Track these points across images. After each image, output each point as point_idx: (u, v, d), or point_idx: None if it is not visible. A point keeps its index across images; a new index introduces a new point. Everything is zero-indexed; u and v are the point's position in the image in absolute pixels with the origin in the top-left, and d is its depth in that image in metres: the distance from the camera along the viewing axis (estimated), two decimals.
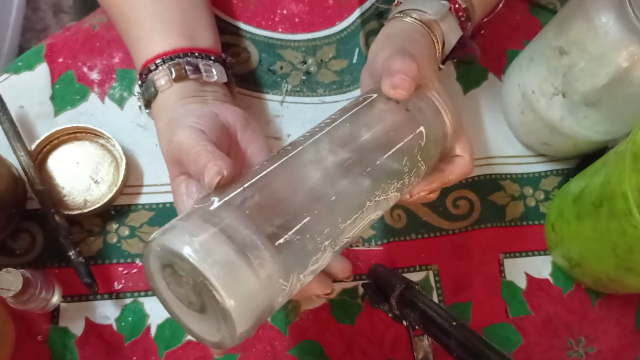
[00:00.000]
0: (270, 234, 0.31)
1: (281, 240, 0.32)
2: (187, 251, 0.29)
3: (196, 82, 0.44)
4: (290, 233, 0.32)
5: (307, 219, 0.33)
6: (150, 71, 0.44)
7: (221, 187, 0.34)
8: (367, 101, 0.40)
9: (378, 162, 0.37)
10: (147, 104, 0.46)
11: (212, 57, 0.46)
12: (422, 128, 0.39)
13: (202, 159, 0.36)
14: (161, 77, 0.44)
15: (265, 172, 0.35)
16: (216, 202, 0.32)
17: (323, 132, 0.37)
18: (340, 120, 0.38)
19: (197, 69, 0.44)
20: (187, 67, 0.44)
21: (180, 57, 0.44)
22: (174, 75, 0.44)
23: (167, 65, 0.44)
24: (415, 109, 0.40)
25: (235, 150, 0.43)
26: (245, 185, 0.34)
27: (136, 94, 0.47)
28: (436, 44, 0.47)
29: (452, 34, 0.48)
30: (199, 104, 0.43)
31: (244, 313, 0.30)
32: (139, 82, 0.46)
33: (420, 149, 0.39)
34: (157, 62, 0.44)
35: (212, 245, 0.30)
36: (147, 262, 0.33)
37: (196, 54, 0.45)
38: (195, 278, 0.30)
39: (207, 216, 0.32)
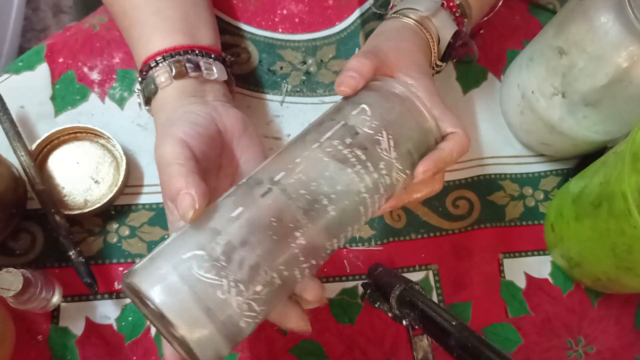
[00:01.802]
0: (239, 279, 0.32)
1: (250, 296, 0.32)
2: (151, 295, 0.31)
3: (196, 80, 0.44)
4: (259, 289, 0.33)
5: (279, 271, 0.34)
6: (151, 68, 0.44)
7: (195, 219, 0.34)
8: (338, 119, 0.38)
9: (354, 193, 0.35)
10: (147, 101, 0.46)
11: (213, 55, 0.46)
12: (390, 129, 0.37)
13: (175, 182, 0.36)
14: (161, 74, 0.44)
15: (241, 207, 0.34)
16: (194, 250, 0.32)
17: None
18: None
19: (197, 67, 0.44)
20: (187, 65, 0.44)
21: (180, 55, 0.44)
22: (174, 73, 0.44)
23: (167, 62, 0.44)
24: (380, 108, 0.37)
25: (229, 158, 0.42)
26: (225, 227, 0.33)
27: (136, 91, 0.47)
28: (430, 40, 0.47)
29: (446, 28, 0.48)
30: (199, 105, 0.43)
31: (206, 352, 0.32)
32: (139, 79, 0.46)
33: (393, 151, 0.36)
34: (157, 59, 0.44)
35: (178, 295, 0.31)
36: (125, 289, 0.34)
37: (197, 52, 0.45)
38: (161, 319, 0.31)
39: (177, 261, 0.32)
